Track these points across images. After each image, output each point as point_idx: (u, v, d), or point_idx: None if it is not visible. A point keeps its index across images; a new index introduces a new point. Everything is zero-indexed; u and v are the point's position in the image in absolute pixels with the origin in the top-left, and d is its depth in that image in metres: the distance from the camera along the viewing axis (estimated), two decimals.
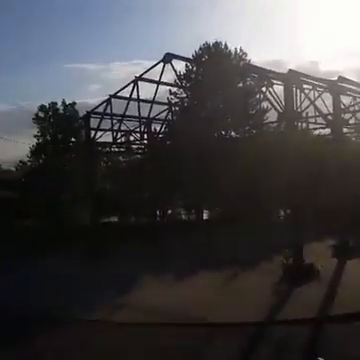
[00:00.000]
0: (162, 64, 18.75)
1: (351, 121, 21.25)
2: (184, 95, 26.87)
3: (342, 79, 17.86)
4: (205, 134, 23.86)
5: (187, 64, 26.67)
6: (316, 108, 18.49)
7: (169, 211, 32.04)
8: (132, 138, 24.35)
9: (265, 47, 66.92)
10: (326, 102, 19.30)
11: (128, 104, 20.86)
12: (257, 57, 65.32)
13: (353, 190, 18.86)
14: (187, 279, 14.11)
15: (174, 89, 26.88)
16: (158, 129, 25.83)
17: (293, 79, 16.09)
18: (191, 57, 26.79)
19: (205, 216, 31.55)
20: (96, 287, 13.43)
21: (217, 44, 27.99)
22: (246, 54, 28.34)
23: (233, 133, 29.39)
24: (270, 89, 18.74)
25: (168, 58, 18.57)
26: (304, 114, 20.56)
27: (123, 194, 27.10)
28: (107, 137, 22.94)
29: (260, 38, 67.60)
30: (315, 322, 10.14)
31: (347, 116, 21.02)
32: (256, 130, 28.26)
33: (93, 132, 22.11)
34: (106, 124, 22.25)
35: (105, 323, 10.41)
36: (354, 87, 19.15)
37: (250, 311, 10.58)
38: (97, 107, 21.82)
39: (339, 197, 17.98)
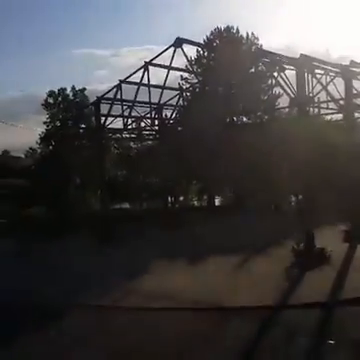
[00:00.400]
0: (173, 49, 18.72)
1: None
2: (195, 80, 26.76)
3: (354, 63, 17.69)
4: (217, 119, 23.83)
5: (198, 49, 26.48)
6: (328, 93, 18.37)
7: (181, 197, 32.21)
8: (143, 124, 24.43)
9: (276, 32, 65.97)
10: (338, 87, 19.16)
11: (138, 89, 20.87)
12: (268, 42, 64.46)
13: None
14: (200, 265, 14.20)
15: (185, 74, 26.80)
16: (169, 115, 25.88)
17: (305, 64, 15.97)
18: (202, 42, 26.58)
19: (217, 202, 31.69)
20: (111, 272, 13.58)
21: (229, 29, 27.67)
22: (258, 38, 28.02)
23: (245, 118, 29.27)
24: (282, 74, 18.64)
25: (179, 43, 18.49)
26: (316, 99, 20.47)
27: (134, 180, 27.29)
28: (118, 123, 23.05)
29: (271, 23, 66.70)
30: (326, 306, 10.31)
31: None
32: (268, 116, 28.09)
33: (103, 118, 22.20)
34: (116, 110, 22.29)
35: (116, 308, 10.54)
36: None
37: (262, 295, 10.72)
38: (107, 93, 21.76)
39: (351, 182, 17.97)
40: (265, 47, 26.63)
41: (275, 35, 66.61)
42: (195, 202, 32.83)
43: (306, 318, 9.45)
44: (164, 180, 26.23)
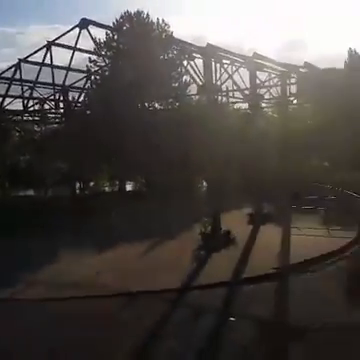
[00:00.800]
0: (78, 30, 18.13)
1: (266, 96, 22.41)
2: (103, 63, 26.09)
3: (257, 55, 18.60)
4: (127, 104, 23.52)
5: (107, 32, 25.79)
6: (234, 82, 19.18)
7: (91, 183, 31.41)
8: (48, 106, 23.37)
9: (189, 22, 66.63)
10: (245, 78, 20.09)
11: (40, 70, 19.93)
12: (181, 31, 64.79)
13: (269, 161, 20.07)
14: (108, 251, 14.03)
15: (94, 57, 25.99)
16: (76, 97, 25.04)
17: (212, 53, 16.44)
18: (111, 25, 25.93)
19: (129, 187, 31.56)
20: (13, 264, 12.82)
21: (139, 13, 27.17)
22: (168, 26, 27.81)
23: (156, 105, 29.31)
24: (191, 62, 19.06)
25: (84, 24, 17.92)
26: (224, 88, 21.28)
27: (39, 166, 25.78)
28: (18, 104, 21.86)
29: (184, 12, 67.06)
30: (229, 285, 10.89)
31: (263, 91, 22.11)
32: (179, 102, 28.46)
33: (0, 99, 20.86)
34: (16, 91, 21.12)
35: (20, 301, 10.11)
36: (269, 64, 20.07)
37: (169, 278, 10.99)
38: (4, 72, 20.49)
39: (256, 168, 19.06)
40: (176, 36, 26.74)
41: (187, 25, 67.48)
42: (106, 188, 32.22)
43: (210, 298, 9.91)
44: (72, 165, 25.29)
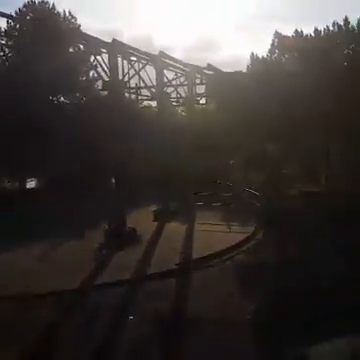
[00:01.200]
0: None
1: (174, 95, 22.81)
2: (2, 53, 24.51)
3: (163, 54, 18.81)
4: (29, 97, 22.32)
5: (8, 21, 24.29)
6: (141, 79, 19.20)
7: None
8: None
9: (103, 15, 65.24)
10: (152, 76, 20.18)
11: None
12: (93, 24, 63.03)
13: (176, 159, 20.45)
14: (5, 252, 13.22)
15: None
16: None
17: (117, 49, 16.24)
18: (13, 14, 24.50)
19: (33, 184, 30.05)
20: None
21: (43, 3, 26.17)
22: (76, 18, 27.24)
23: (63, 99, 28.31)
24: (98, 57, 18.59)
25: None
26: (133, 85, 21.21)
27: None
28: None
29: (98, 5, 65.57)
30: (130, 283, 10.86)
31: (171, 90, 22.46)
32: (87, 97, 27.81)
33: None
34: None
35: None
36: (173, 63, 20.41)
37: (68, 279, 10.65)
38: None
39: (163, 165, 19.31)
40: (92, 32, 25.95)
41: (101, 19, 66.06)
42: (7, 185, 30.16)
43: (109, 297, 9.77)
44: None
